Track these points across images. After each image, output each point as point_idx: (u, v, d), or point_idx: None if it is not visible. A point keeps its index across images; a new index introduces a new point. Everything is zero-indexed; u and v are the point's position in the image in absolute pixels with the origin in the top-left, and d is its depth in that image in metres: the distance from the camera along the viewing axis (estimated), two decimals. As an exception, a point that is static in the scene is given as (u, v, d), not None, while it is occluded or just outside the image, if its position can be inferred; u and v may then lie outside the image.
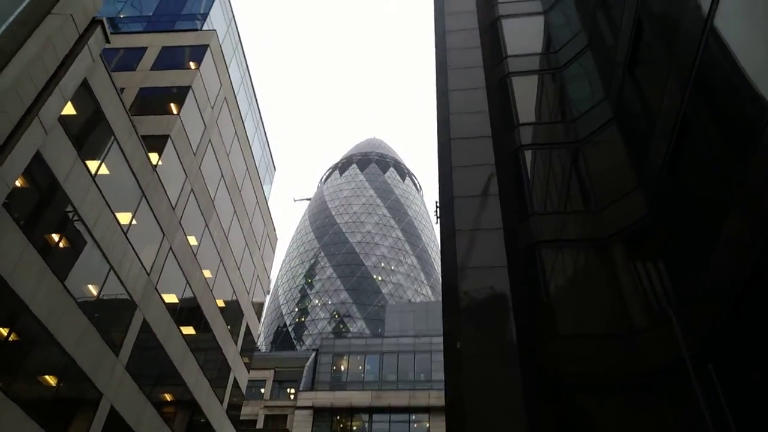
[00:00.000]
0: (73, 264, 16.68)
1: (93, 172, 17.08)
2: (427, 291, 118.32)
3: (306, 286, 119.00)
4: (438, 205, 26.15)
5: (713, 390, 9.80)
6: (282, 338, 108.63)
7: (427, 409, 42.60)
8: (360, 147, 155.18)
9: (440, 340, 48.73)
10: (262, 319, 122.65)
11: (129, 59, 24.97)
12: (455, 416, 14.02)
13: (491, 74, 20.25)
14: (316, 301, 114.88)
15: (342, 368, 48.82)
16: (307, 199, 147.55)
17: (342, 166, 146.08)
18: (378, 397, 43.61)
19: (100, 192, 17.32)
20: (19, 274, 13.72)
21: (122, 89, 21.01)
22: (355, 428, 43.65)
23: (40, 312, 14.51)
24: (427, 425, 42.45)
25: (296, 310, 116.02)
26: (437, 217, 25.64)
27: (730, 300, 9.23)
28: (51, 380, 15.93)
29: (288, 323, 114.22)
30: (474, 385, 13.95)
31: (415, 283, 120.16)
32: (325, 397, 43.98)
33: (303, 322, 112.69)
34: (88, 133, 17.42)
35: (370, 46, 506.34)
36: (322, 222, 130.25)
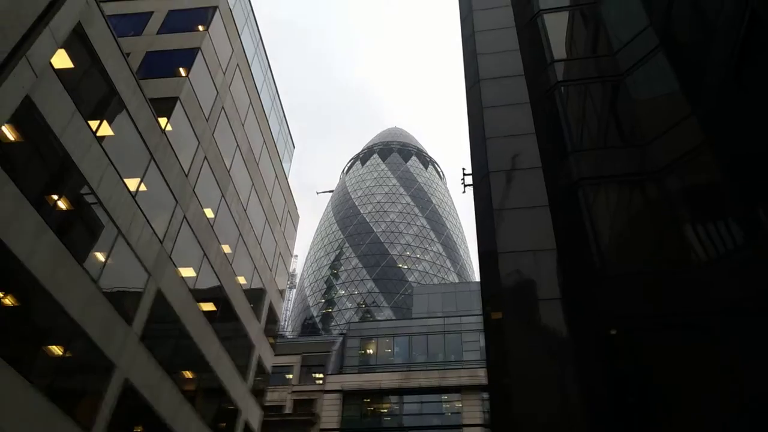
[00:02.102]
0: (76, 225, 15.60)
1: (94, 129, 15.95)
2: (453, 278, 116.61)
3: (332, 277, 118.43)
4: (463, 175, 24.56)
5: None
6: (309, 330, 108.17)
7: (458, 389, 41.15)
8: (381, 136, 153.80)
9: (470, 319, 47.46)
10: (289, 311, 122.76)
11: (135, 24, 23.89)
12: (498, 372, 12.62)
13: (521, 12, 18.69)
14: (342, 292, 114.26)
15: (370, 351, 47.59)
16: (330, 191, 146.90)
17: (363, 157, 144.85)
18: (407, 378, 42.29)
19: (103, 150, 16.20)
20: (13, 229, 12.63)
21: (128, 54, 19.89)
22: (385, 410, 42.42)
23: (39, 271, 13.42)
24: (460, 405, 41.00)
25: (322, 301, 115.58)
26: (464, 185, 24.06)
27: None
28: (57, 349, 14.87)
29: (315, 314, 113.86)
30: (517, 338, 12.52)
31: (441, 270, 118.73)
32: (353, 380, 42.81)
33: (330, 312, 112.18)
34: (88, 88, 16.30)
35: (390, 36, 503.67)
36: (346, 213, 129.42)
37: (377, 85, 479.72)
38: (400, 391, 41.92)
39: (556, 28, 18.03)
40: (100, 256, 16.45)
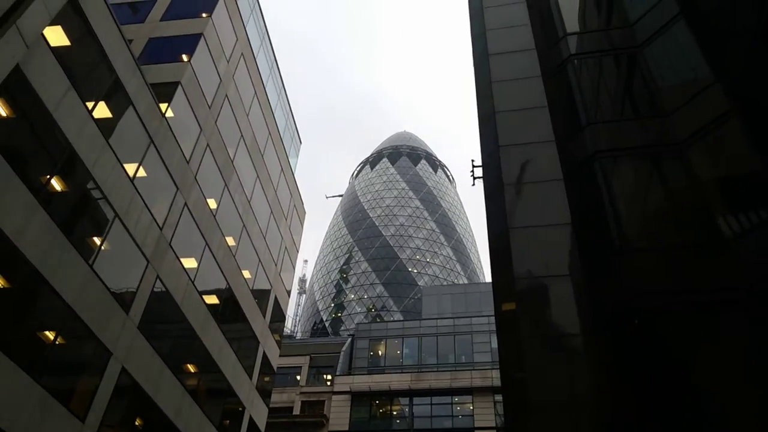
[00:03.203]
0: (70, 206, 15.06)
1: (90, 108, 15.43)
2: (463, 282, 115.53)
3: (341, 281, 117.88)
4: (472, 167, 23.80)
5: None
6: (319, 334, 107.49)
7: (470, 390, 40.24)
8: (391, 140, 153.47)
9: (481, 320, 46.53)
10: (299, 315, 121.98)
11: (138, 12, 23.48)
12: (512, 354, 11.85)
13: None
14: (352, 296, 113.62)
15: (379, 353, 46.78)
16: (339, 196, 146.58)
17: (373, 161, 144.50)
18: (418, 380, 41.42)
19: (100, 130, 15.67)
20: (2, 204, 12.09)
21: (130, 41, 19.45)
22: (395, 412, 41.54)
23: (30, 250, 12.85)
24: (471, 407, 40.06)
25: (332, 305, 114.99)
26: (474, 177, 23.33)
27: None
28: (50, 335, 14.28)
29: (324, 319, 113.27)
30: (533, 322, 11.76)
31: (451, 274, 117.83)
32: (362, 381, 42.00)
33: (339, 317, 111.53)
34: (84, 66, 15.81)
35: (397, 43, 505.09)
36: (355, 217, 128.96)
37: (388, 92, 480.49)
38: (410, 393, 41.06)
39: (568, 1, 17.38)
40: (96, 240, 15.90)
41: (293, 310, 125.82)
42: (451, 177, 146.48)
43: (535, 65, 15.75)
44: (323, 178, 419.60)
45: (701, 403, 10.44)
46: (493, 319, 45.24)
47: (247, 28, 27.81)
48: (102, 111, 16.08)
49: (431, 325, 47.96)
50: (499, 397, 38.75)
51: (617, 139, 13.47)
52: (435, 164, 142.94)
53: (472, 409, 39.93)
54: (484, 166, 14.61)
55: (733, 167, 12.03)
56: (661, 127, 13.34)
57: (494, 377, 39.61)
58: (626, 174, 13.36)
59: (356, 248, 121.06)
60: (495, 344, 43.77)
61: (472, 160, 22.91)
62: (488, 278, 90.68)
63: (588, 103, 14.72)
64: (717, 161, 12.26)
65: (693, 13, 13.93)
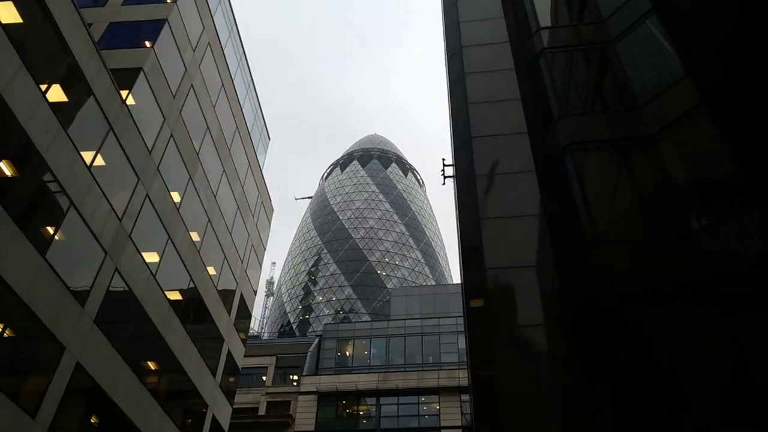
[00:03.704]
0: (20, 192, 14.26)
1: (43, 90, 14.66)
2: (431, 284, 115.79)
3: (309, 283, 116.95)
4: (443, 166, 23.57)
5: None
6: (286, 336, 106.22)
7: (437, 390, 40.10)
8: (361, 143, 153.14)
9: (448, 321, 46.47)
10: (266, 317, 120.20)
11: (99, -4, 22.61)
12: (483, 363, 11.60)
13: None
14: (320, 298, 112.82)
15: (347, 353, 46.30)
16: (309, 198, 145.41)
17: (343, 163, 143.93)
18: (385, 380, 41.07)
19: (54, 114, 14.89)
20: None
21: (90, 24, 18.64)
22: (362, 412, 41.08)
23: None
24: (437, 407, 39.89)
25: (300, 307, 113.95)
26: (444, 177, 23.12)
27: None
28: (-3, 326, 13.45)
29: (292, 321, 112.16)
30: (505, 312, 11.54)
31: (420, 277, 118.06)
32: (329, 381, 41.43)
33: (307, 319, 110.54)
34: (38, 46, 15.02)
35: (370, 41, 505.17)
36: (324, 219, 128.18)
37: (360, 98, 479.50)
38: (377, 393, 40.68)
39: (544, -3, 17.33)
40: (50, 229, 15.10)
41: (260, 312, 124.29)
42: (421, 181, 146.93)
43: (509, 58, 15.62)
44: (292, 179, 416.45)
45: (671, 391, 10.35)
46: (461, 320, 45.28)
47: (214, 18, 27.11)
48: (57, 94, 15.32)
49: (399, 326, 47.72)
50: (465, 397, 38.71)
51: (589, 132, 13.38)
52: (405, 168, 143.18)
53: (439, 409, 39.78)
54: (455, 157, 14.37)
55: (702, 161, 12.02)
56: (632, 120, 13.32)
57: (461, 377, 39.54)
58: (598, 167, 13.28)
59: (325, 250, 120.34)
60: (462, 345, 43.78)
61: (443, 159, 22.70)
62: (456, 281, 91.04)
63: (560, 96, 14.63)
64: (687, 155, 12.26)
65: (665, 8, 14.02)
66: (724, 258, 10.53)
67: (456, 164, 14.07)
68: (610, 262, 11.41)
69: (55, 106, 15.02)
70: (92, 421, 17.04)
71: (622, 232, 11.89)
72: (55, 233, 15.15)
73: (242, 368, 31.67)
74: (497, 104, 14.49)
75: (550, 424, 10.95)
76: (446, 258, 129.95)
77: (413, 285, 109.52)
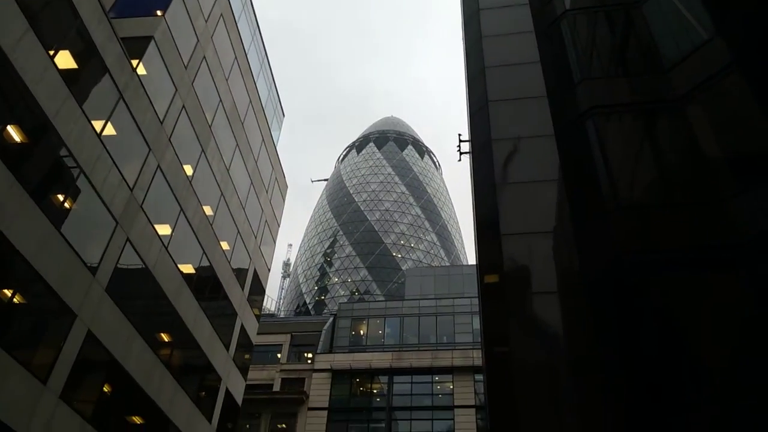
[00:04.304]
0: (30, 159, 14.09)
1: (51, 55, 14.41)
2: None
3: (325, 265, 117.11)
4: (459, 141, 23.01)
5: None
6: (302, 315, 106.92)
7: (450, 370, 39.90)
8: (377, 125, 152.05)
9: (463, 302, 46.11)
10: (282, 298, 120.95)
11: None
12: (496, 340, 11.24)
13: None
14: (336, 279, 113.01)
15: (361, 332, 46.26)
16: (325, 180, 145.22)
17: (359, 145, 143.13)
18: (399, 359, 40.97)
19: (63, 79, 14.66)
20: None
21: (101, -7, 18.33)
22: (375, 390, 41.10)
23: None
24: (451, 386, 39.74)
25: (316, 288, 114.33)
26: (460, 152, 22.58)
27: None
28: (7, 293, 13.35)
29: (308, 301, 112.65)
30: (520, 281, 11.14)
31: (435, 259, 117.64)
32: (343, 359, 41.47)
33: (323, 299, 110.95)
34: (46, 9, 14.76)
35: (390, 26, 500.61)
36: (340, 201, 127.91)
37: (379, 83, 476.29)
38: (391, 371, 40.62)
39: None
40: (59, 196, 14.96)
41: (277, 293, 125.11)
42: (437, 163, 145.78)
43: (527, 20, 15.05)
44: (310, 163, 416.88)
45: (690, 359, 9.92)
46: (475, 301, 44.92)
47: (227, -10, 26.68)
48: (65, 59, 15.07)
49: (413, 306, 47.50)
50: (479, 377, 38.49)
51: (612, 96, 12.86)
52: (422, 150, 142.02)
53: (452, 388, 39.63)
54: (471, 123, 13.90)
55: (734, 123, 11.46)
56: (657, 83, 12.76)
57: (475, 357, 39.27)
58: (620, 131, 12.75)
59: (341, 232, 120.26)
60: (477, 325, 43.46)
61: (459, 134, 22.16)
62: (472, 262, 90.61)
63: (582, 59, 14.06)
64: (717, 117, 11.69)
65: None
66: (760, 221, 10.02)
67: (471, 130, 13.61)
68: (631, 229, 10.96)
69: (64, 73, 14.78)
70: (105, 389, 17.04)
71: (645, 197, 11.41)
72: (64, 201, 15.01)
73: (257, 345, 31.72)
74: (515, 68, 13.98)
75: (563, 399, 10.61)
76: (462, 241, 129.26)
77: (429, 266, 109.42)
